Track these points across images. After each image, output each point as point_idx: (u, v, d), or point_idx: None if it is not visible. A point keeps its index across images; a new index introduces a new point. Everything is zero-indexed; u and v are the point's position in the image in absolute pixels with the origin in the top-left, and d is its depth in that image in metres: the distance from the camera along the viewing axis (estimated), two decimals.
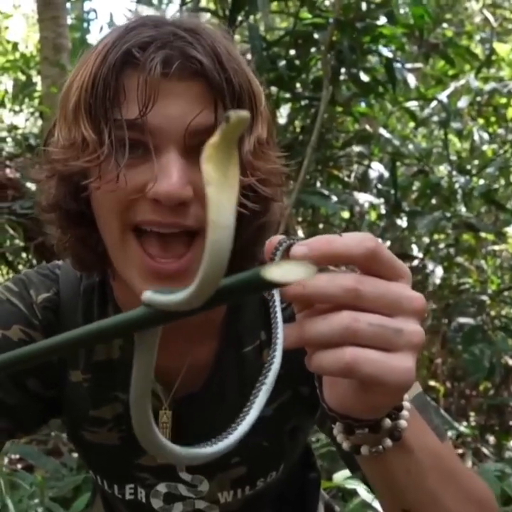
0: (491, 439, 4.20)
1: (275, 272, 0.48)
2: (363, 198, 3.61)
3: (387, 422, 0.72)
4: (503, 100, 4.52)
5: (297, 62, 3.51)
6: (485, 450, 3.77)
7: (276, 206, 1.00)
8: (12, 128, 4.88)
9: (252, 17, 3.27)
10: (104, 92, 0.88)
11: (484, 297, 3.99)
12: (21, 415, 1.11)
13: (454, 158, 4.31)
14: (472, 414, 4.63)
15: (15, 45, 6.21)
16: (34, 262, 4.00)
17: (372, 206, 4.33)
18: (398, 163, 4.03)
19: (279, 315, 0.62)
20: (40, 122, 5.63)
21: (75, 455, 3.42)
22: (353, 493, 2.24)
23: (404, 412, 0.74)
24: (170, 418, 1.09)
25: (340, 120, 3.95)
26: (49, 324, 1.10)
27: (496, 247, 4.45)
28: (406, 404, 0.74)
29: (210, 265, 0.45)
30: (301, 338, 0.61)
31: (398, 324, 0.60)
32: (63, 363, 1.12)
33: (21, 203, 3.64)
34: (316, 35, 3.35)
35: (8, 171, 4.07)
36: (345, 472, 2.18)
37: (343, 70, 3.41)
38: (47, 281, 1.13)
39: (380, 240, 0.62)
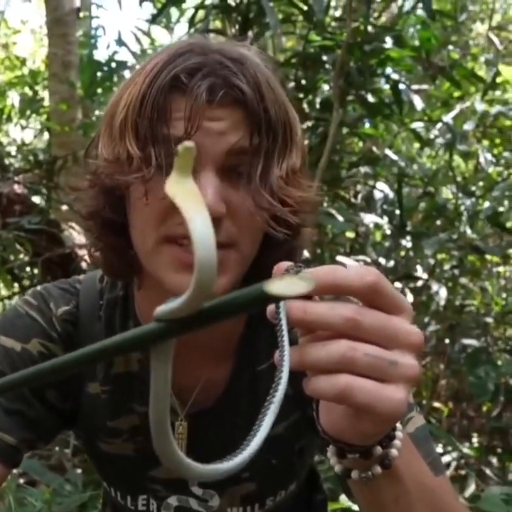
0: (494, 461, 4.18)
1: (277, 285, 0.51)
2: (369, 219, 3.63)
3: (378, 449, 0.73)
4: (509, 123, 4.54)
5: (305, 83, 3.54)
6: (488, 472, 3.76)
7: (306, 231, 1.05)
8: (21, 144, 4.91)
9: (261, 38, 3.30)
10: (152, 113, 0.93)
11: (488, 319, 3.99)
12: (42, 426, 1.13)
13: (459, 179, 4.33)
14: (475, 435, 4.62)
15: (23, 61, 6.25)
16: (39, 277, 4.01)
17: (377, 226, 4.35)
18: (404, 184, 4.05)
19: (285, 336, 0.64)
20: (47, 137, 5.66)
21: (79, 471, 3.42)
22: None
23: (397, 442, 0.75)
24: (186, 429, 1.12)
25: (348, 141, 3.97)
26: (68, 337, 1.13)
27: (501, 269, 4.47)
28: (399, 434, 0.76)
29: (200, 263, 0.48)
30: (301, 362, 0.63)
31: (394, 357, 0.62)
32: (80, 376, 1.14)
33: (29, 219, 3.66)
34: (324, 57, 3.39)
35: (16, 186, 4.09)
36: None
37: (351, 92, 3.44)
38: (66, 295, 1.16)
39: (382, 275, 0.63)
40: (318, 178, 2.84)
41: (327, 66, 3.50)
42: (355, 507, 2.10)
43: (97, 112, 5.37)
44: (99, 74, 5.26)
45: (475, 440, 4.55)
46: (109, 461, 1.19)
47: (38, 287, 1.18)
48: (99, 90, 5.21)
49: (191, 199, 0.50)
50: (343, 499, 2.15)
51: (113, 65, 5.24)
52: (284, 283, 0.52)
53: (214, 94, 0.93)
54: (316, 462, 1.44)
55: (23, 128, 6.18)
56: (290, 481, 1.20)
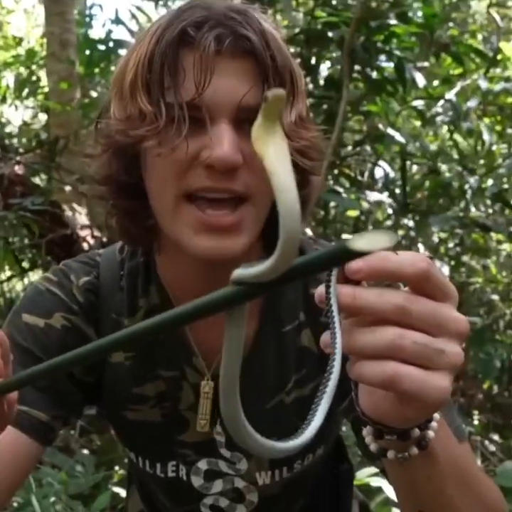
0: (496, 437, 4.22)
1: (360, 242, 0.51)
2: (374, 197, 3.62)
3: (416, 431, 0.74)
4: (510, 100, 4.53)
5: (309, 60, 3.52)
6: (492, 448, 3.79)
7: (315, 179, 1.06)
8: (23, 124, 4.87)
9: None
10: (162, 69, 0.94)
11: (494, 296, 4.01)
12: (70, 401, 1.14)
13: (457, 157, 4.32)
14: (475, 413, 4.65)
15: (19, 41, 6.19)
16: (43, 258, 3.99)
17: (379, 205, 4.34)
18: (407, 163, 4.04)
19: (337, 322, 0.64)
20: (44, 118, 5.62)
21: (85, 452, 3.43)
22: (376, 490, 2.25)
23: (434, 424, 0.76)
24: (212, 389, 1.13)
25: (354, 118, 3.96)
26: (90, 306, 1.14)
27: (504, 247, 4.48)
28: (436, 415, 0.76)
29: (285, 228, 0.48)
30: (348, 347, 0.63)
31: (441, 345, 0.62)
32: None
33: (32, 200, 3.63)
34: (330, 34, 3.36)
35: (16, 167, 4.06)
36: (370, 469, 2.19)
37: (354, 69, 3.42)
38: (87, 267, 1.17)
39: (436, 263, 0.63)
40: (328, 157, 2.83)
41: (331, 43, 3.48)
42: (374, 483, 2.12)
43: (94, 94, 5.33)
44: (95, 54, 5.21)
45: (476, 418, 4.58)
46: (137, 430, 1.19)
47: (59, 265, 1.18)
48: (97, 70, 5.16)
49: (279, 154, 0.49)
50: (361, 474, 2.16)
51: (110, 44, 5.18)
52: (366, 239, 0.51)
53: (222, 44, 0.94)
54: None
55: (16, 108, 6.13)
56: (317, 444, 1.21)
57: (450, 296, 0.64)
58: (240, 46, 0.95)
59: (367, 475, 2.14)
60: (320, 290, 0.64)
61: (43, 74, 5.79)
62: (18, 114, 6.11)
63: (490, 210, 4.16)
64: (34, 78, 5.89)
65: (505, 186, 3.79)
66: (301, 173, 1.00)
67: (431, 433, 0.76)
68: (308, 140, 1.01)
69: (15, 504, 2.30)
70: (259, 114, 0.50)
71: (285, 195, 0.48)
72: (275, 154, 0.49)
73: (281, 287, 0.53)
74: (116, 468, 3.06)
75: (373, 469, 2.10)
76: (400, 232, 4.41)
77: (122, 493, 2.82)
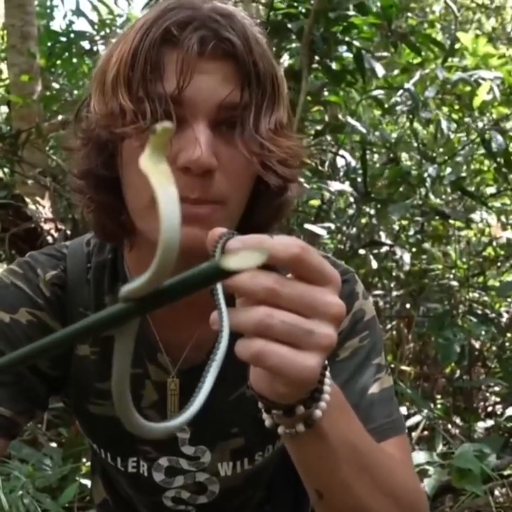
0: (458, 420, 4.28)
1: (233, 260, 0.54)
2: (336, 186, 3.66)
3: (301, 409, 0.78)
4: (468, 89, 4.58)
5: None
6: (455, 431, 3.86)
7: (293, 186, 1.07)
8: None
9: None
10: (145, 66, 0.95)
11: (453, 283, 4.08)
12: (35, 395, 1.14)
13: (420, 146, 4.37)
14: (438, 397, 4.72)
15: None
16: (7, 253, 3.96)
17: (341, 194, 4.38)
18: (368, 152, 4.08)
19: (222, 302, 0.70)
20: (4, 111, 5.57)
21: (53, 445, 3.43)
22: None
23: (322, 404, 0.79)
24: (178, 386, 1.15)
25: (314, 109, 3.99)
26: (57, 300, 1.14)
27: (463, 233, 4.55)
28: (325, 396, 0.80)
29: (164, 243, 0.50)
30: (230, 324, 0.68)
31: (310, 326, 0.66)
32: None
33: None
34: (289, 25, 3.39)
35: None
36: None
37: (314, 60, 3.44)
38: (53, 260, 1.17)
39: (309, 246, 0.66)
40: None
41: (290, 34, 3.50)
42: None
43: (56, 85, 5.30)
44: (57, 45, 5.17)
45: (438, 402, 4.65)
46: (99, 423, 1.21)
47: (24, 256, 1.18)
48: (58, 62, 5.13)
49: (163, 179, 0.51)
50: None
51: (72, 36, 5.15)
52: (239, 257, 0.54)
53: (205, 46, 0.95)
54: None
55: None
56: (277, 436, 1.25)
57: (328, 280, 0.67)
58: (222, 49, 0.96)
59: None
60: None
61: (3, 66, 5.73)
62: None
63: (449, 198, 4.23)
64: None
65: (463, 174, 3.86)
66: (280, 180, 1.01)
67: (317, 412, 0.79)
68: (288, 148, 1.01)
69: None
70: (146, 146, 0.52)
71: (167, 222, 0.50)
72: (161, 184, 0.51)
73: (160, 306, 0.56)
74: (84, 460, 3.07)
75: None
76: (363, 220, 4.47)
77: (89, 484, 2.83)
